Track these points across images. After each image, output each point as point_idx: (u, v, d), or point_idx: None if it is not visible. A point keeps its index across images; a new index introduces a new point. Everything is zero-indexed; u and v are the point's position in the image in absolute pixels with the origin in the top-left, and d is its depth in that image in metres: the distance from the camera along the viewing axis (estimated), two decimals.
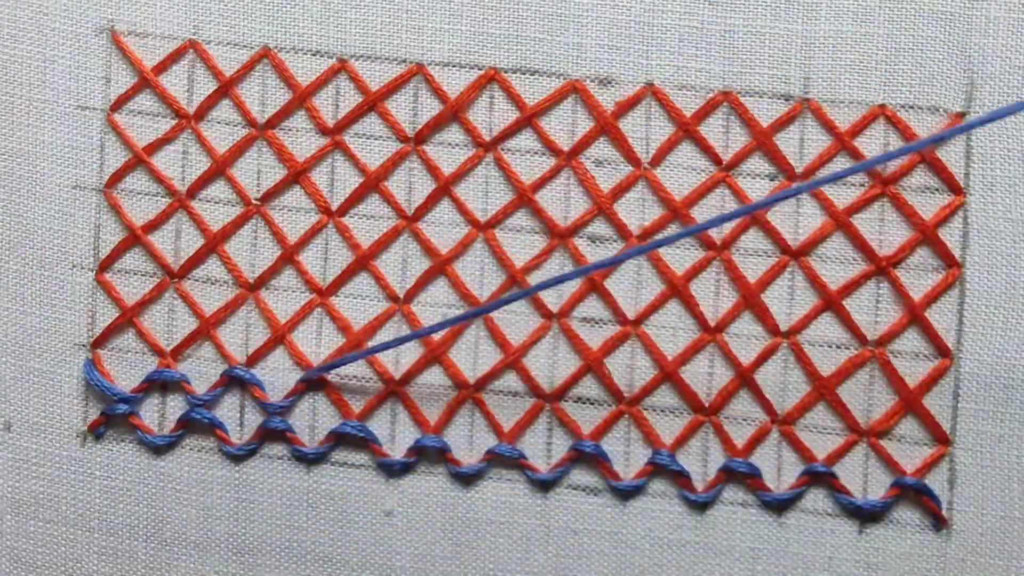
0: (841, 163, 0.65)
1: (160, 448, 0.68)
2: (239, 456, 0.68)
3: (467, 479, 0.67)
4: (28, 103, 0.68)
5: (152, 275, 0.68)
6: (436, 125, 0.67)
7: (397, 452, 0.67)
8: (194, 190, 0.68)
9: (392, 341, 0.65)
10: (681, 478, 0.66)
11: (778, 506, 0.66)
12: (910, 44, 0.65)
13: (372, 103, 0.67)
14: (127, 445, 0.68)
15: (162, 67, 0.68)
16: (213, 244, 0.68)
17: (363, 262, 0.67)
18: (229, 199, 0.68)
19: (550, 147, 0.66)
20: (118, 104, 0.68)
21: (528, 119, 0.66)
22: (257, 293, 0.68)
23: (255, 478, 0.68)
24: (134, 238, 0.68)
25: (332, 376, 0.67)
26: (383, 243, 0.67)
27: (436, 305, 0.67)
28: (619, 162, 0.66)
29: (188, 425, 0.68)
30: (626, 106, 0.66)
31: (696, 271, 0.66)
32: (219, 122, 0.68)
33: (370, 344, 0.67)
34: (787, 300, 0.65)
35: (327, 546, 0.67)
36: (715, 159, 0.66)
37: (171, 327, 0.68)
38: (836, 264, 0.65)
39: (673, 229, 0.66)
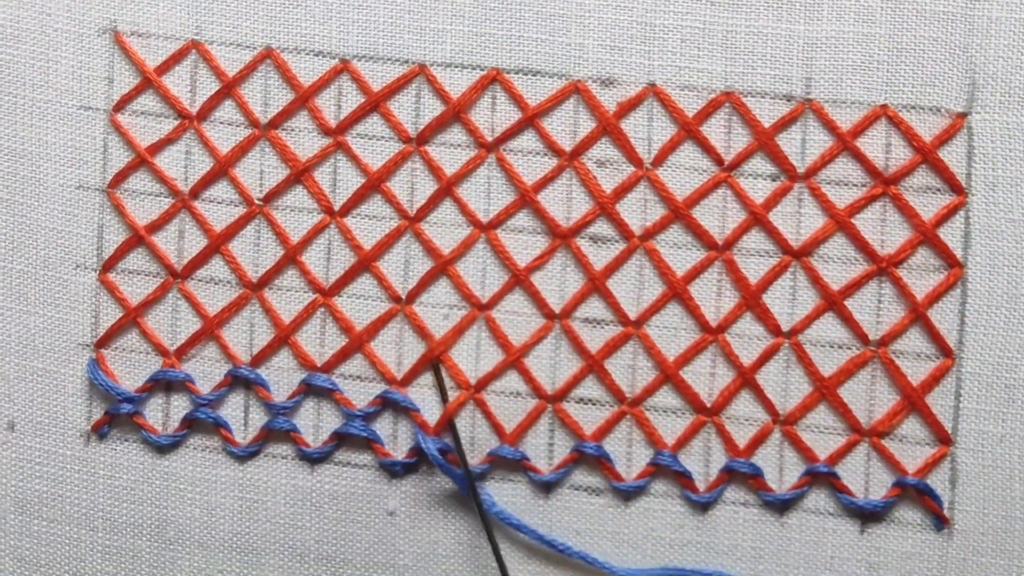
0: (843, 163, 0.65)
1: (164, 448, 0.68)
2: (243, 456, 0.68)
3: None
4: (31, 104, 0.68)
5: (155, 275, 0.68)
6: (438, 126, 0.67)
7: (399, 452, 0.67)
8: (197, 190, 0.68)
9: None
10: (683, 478, 0.66)
11: (780, 506, 0.66)
12: (912, 44, 0.64)
13: (374, 103, 0.67)
14: (131, 444, 0.69)
15: (165, 67, 0.68)
16: (216, 244, 0.68)
17: (365, 262, 0.67)
18: (232, 199, 0.68)
19: (552, 147, 0.66)
20: (121, 104, 0.68)
21: (530, 119, 0.66)
22: (261, 293, 0.68)
23: (259, 478, 0.68)
24: (137, 238, 0.68)
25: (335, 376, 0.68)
26: (385, 243, 0.67)
27: (438, 306, 0.67)
28: (621, 162, 0.66)
29: (192, 425, 0.68)
30: (628, 106, 0.66)
31: (698, 272, 0.66)
32: (222, 122, 0.68)
33: (372, 344, 0.67)
34: (789, 300, 0.65)
35: (330, 545, 0.68)
36: (717, 159, 0.66)
37: (175, 327, 0.68)
38: (838, 264, 0.65)
39: (675, 229, 0.66)
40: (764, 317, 0.65)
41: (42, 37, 0.68)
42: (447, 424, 0.66)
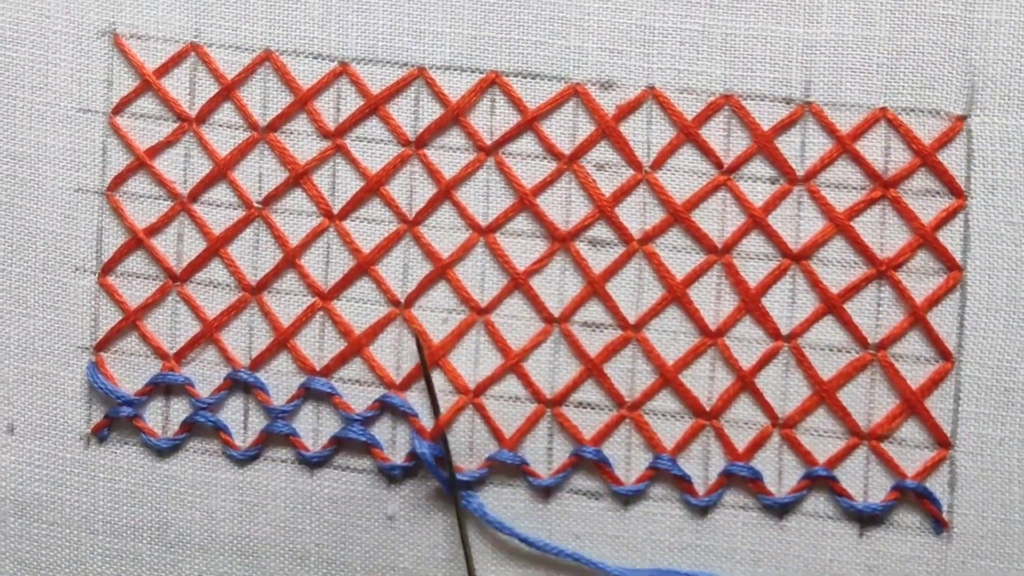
0: (842, 166, 0.65)
1: (164, 451, 0.68)
2: (243, 459, 0.68)
3: (468, 485, 0.67)
4: (30, 106, 0.68)
5: (155, 278, 0.68)
6: (437, 129, 0.67)
7: (398, 457, 0.67)
8: (196, 193, 0.68)
9: None
10: (682, 482, 0.66)
11: (779, 510, 0.66)
12: (911, 47, 0.64)
13: (373, 106, 0.67)
14: (131, 448, 0.69)
15: (164, 70, 0.68)
16: (215, 247, 0.68)
17: (364, 266, 0.67)
18: (231, 202, 0.68)
19: (551, 151, 0.66)
20: (120, 107, 0.68)
21: (529, 123, 0.66)
22: (260, 296, 0.68)
23: (259, 481, 0.68)
24: (136, 241, 0.68)
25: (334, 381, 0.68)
26: (384, 247, 0.67)
27: (437, 309, 0.67)
28: (620, 166, 0.66)
29: (192, 428, 0.68)
30: (627, 109, 0.66)
31: (697, 275, 0.66)
32: (221, 125, 0.68)
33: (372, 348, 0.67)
34: (788, 304, 0.65)
35: (330, 549, 0.68)
36: (716, 162, 0.66)
37: (174, 330, 0.68)
38: (837, 267, 0.65)
39: (674, 232, 0.66)
40: (763, 320, 0.65)
41: (41, 39, 0.68)
42: (440, 435, 0.66)
